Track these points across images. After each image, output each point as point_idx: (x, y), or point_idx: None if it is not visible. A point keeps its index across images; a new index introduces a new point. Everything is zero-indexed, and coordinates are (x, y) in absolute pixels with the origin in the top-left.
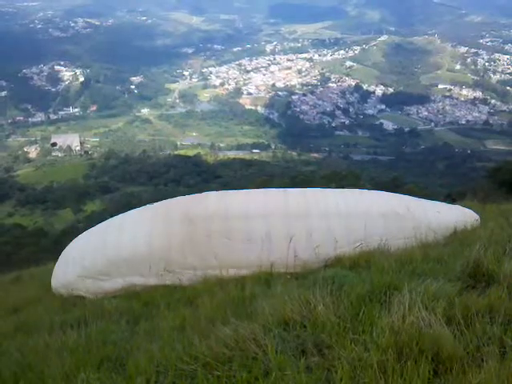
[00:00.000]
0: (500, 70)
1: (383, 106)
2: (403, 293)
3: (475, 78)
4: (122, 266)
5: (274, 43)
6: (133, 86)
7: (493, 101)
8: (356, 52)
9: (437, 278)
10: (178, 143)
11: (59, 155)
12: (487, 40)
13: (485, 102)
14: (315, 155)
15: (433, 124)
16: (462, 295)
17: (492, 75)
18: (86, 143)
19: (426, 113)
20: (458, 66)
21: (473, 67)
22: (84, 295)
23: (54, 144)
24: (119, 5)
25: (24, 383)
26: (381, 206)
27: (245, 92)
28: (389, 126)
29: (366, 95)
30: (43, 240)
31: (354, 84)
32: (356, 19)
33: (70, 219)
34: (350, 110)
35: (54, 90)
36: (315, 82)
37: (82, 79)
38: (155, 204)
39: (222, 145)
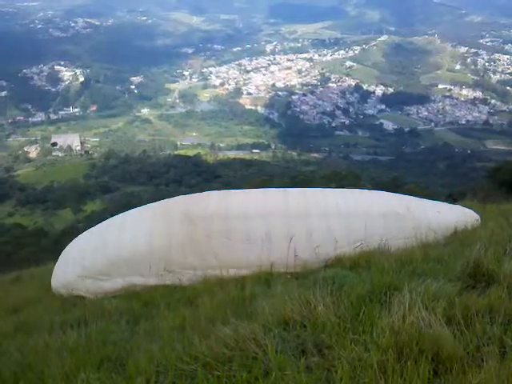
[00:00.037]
0: (500, 70)
1: (383, 106)
2: (403, 293)
3: (475, 77)
4: (122, 265)
5: (274, 43)
6: (133, 86)
7: (493, 101)
8: (356, 52)
9: (437, 278)
10: (178, 143)
11: (59, 155)
12: (487, 40)
13: (485, 102)
14: (315, 155)
15: (433, 124)
16: (462, 295)
17: (492, 75)
18: (86, 143)
19: (426, 113)
20: (458, 66)
21: (473, 67)
22: (84, 295)
23: (54, 144)
24: (119, 5)
25: (24, 383)
26: (381, 206)
27: (245, 92)
28: (389, 126)
29: (365, 95)
30: (43, 240)
31: (353, 84)
32: (356, 19)
33: (70, 219)
34: (350, 110)
35: (54, 89)
36: (315, 81)
37: (82, 79)
38: (155, 203)
39: (221, 145)
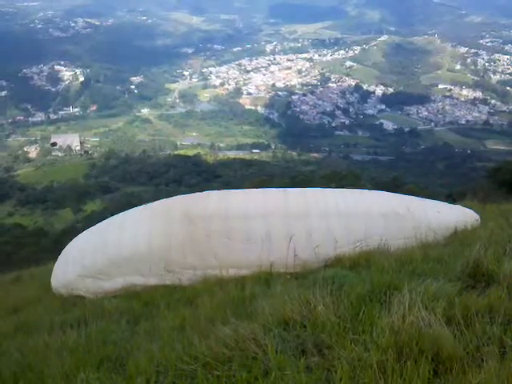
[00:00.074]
0: (500, 70)
1: (383, 106)
2: (403, 293)
3: (475, 78)
4: (122, 265)
5: (274, 43)
6: (133, 86)
7: (493, 101)
8: (356, 52)
9: (437, 278)
10: (178, 143)
11: (59, 155)
12: (487, 40)
13: (485, 102)
14: (315, 155)
15: (433, 124)
16: (461, 295)
17: (492, 75)
18: (86, 143)
19: (426, 113)
20: (458, 66)
21: (473, 67)
22: (84, 295)
23: (54, 144)
24: (119, 5)
25: (24, 383)
26: (381, 206)
27: (245, 92)
28: (389, 126)
29: (365, 95)
30: (43, 240)
31: (353, 84)
32: (356, 19)
33: (69, 219)
34: (350, 110)
35: (53, 89)
36: (315, 81)
37: (81, 79)
38: (155, 203)
39: (221, 145)
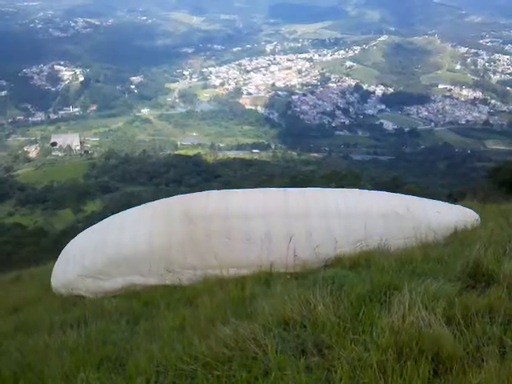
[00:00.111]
0: (500, 70)
1: (383, 106)
2: (403, 293)
3: (475, 78)
4: (122, 264)
5: (274, 43)
6: (133, 86)
7: (493, 101)
8: (356, 52)
9: (437, 278)
10: (178, 143)
11: (59, 155)
12: (487, 40)
13: (485, 102)
14: (315, 155)
15: (433, 124)
16: (461, 295)
17: (492, 75)
18: (86, 143)
19: (426, 113)
20: (458, 66)
21: (473, 67)
22: (84, 295)
23: (54, 144)
24: (119, 5)
25: (24, 383)
26: (381, 206)
27: (245, 92)
28: (389, 126)
29: (365, 95)
30: (43, 240)
31: (354, 84)
32: (356, 19)
33: (70, 219)
34: (350, 110)
35: (53, 89)
36: (315, 81)
37: (81, 79)
38: (155, 202)
39: (221, 145)
